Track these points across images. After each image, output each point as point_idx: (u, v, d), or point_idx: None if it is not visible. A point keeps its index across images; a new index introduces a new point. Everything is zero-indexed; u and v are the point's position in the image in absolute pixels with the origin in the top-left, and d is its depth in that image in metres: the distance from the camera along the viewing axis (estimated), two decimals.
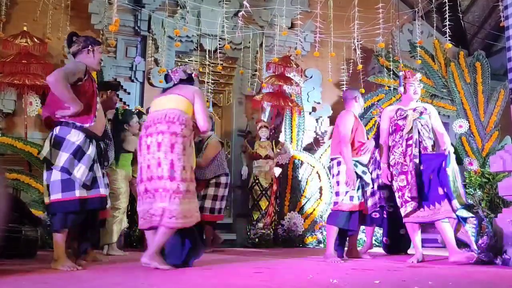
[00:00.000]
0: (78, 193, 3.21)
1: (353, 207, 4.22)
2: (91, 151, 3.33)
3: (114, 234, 4.73)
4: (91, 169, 3.31)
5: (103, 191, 3.38)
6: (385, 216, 4.91)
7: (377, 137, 5.23)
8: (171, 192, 3.16)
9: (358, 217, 4.28)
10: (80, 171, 3.22)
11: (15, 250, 4.03)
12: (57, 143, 3.24)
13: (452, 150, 4.07)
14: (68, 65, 3.40)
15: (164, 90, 3.59)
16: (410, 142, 4.17)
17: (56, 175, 3.21)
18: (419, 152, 4.14)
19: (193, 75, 3.64)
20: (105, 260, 3.94)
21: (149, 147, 3.26)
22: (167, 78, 3.70)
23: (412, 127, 4.20)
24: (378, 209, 4.83)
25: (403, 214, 4.19)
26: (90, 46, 3.48)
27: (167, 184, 3.17)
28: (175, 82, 3.56)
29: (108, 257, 4.19)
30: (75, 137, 3.25)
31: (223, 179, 5.53)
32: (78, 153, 3.24)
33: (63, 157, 3.21)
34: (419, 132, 4.18)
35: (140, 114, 5.48)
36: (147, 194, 3.24)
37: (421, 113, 4.25)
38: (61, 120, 3.28)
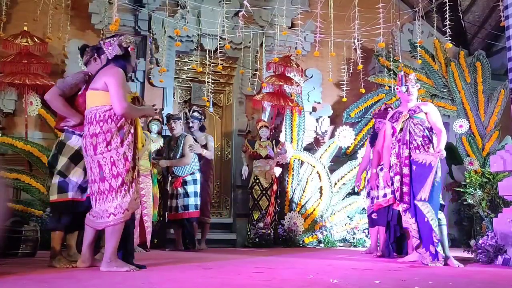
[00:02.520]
0: (71, 195, 3.30)
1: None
2: None
3: None
4: None
5: None
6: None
7: (371, 138, 5.31)
8: (99, 192, 3.06)
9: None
10: (76, 174, 3.32)
11: (15, 250, 4.03)
12: (60, 149, 3.39)
13: (444, 153, 4.05)
14: (66, 79, 3.50)
15: (93, 77, 3.28)
16: (400, 143, 4.19)
17: (55, 178, 3.36)
18: (409, 153, 4.14)
19: (129, 49, 3.25)
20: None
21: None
22: (99, 51, 3.37)
23: (402, 128, 4.22)
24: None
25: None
26: (95, 54, 3.55)
27: (98, 186, 3.07)
28: (109, 58, 3.24)
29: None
30: (74, 142, 3.38)
31: (198, 176, 5.72)
32: (76, 157, 3.34)
33: (61, 161, 3.34)
34: (410, 133, 4.18)
35: None
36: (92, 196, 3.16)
37: (414, 111, 4.23)
38: (64, 128, 3.44)
